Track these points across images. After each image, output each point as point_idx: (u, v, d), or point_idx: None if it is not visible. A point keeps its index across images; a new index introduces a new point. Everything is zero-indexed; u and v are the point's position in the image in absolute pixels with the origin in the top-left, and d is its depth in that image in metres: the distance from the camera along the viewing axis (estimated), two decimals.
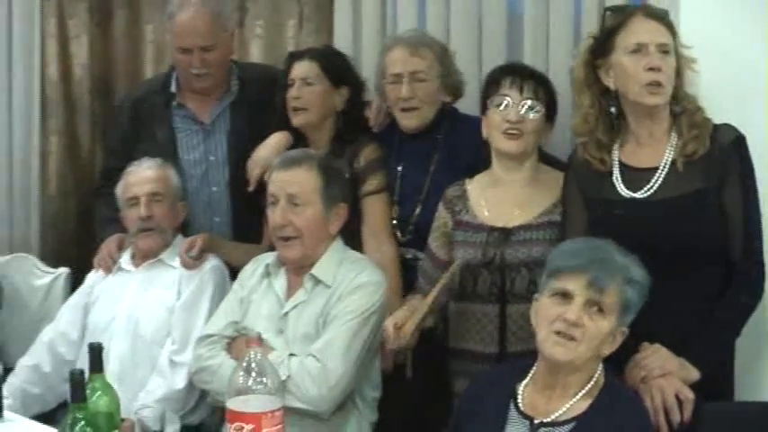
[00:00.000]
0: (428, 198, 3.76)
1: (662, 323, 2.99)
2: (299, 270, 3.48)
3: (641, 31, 3.08)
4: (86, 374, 2.70)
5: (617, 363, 2.92)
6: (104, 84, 4.91)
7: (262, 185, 3.72)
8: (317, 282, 3.43)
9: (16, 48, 4.80)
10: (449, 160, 3.78)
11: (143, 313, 3.84)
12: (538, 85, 3.48)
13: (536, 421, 2.77)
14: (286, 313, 3.43)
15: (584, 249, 2.84)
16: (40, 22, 4.82)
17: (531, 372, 2.86)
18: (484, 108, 3.53)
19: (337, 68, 3.96)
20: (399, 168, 3.88)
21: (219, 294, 3.78)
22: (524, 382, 2.86)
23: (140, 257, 3.98)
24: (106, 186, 4.21)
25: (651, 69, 3.04)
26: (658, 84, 3.05)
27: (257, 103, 4.15)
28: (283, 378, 3.18)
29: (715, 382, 3.05)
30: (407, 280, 3.72)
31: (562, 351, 2.75)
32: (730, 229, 3.08)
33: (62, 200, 4.89)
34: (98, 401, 2.75)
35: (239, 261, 3.81)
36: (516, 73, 3.50)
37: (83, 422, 2.58)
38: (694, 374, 3.00)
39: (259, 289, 3.54)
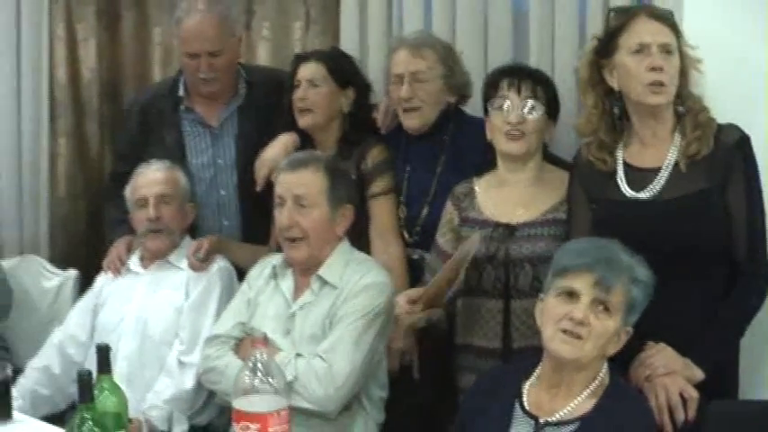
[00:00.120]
0: (435, 199, 3.77)
1: (666, 323, 3.00)
2: (305, 271, 3.49)
3: (644, 31, 3.09)
4: (94, 375, 2.72)
5: (621, 362, 2.93)
6: (113, 86, 4.92)
7: (270, 187, 3.73)
8: (324, 283, 3.43)
9: (25, 51, 4.81)
10: (455, 161, 3.78)
11: (151, 314, 3.85)
12: (536, 84, 3.50)
13: (541, 420, 2.79)
14: (293, 314, 3.44)
15: (591, 249, 2.86)
16: (49, 25, 4.82)
17: (537, 371, 2.88)
18: (486, 111, 3.56)
19: (343, 70, 3.97)
20: (407, 169, 3.89)
21: (227, 295, 3.79)
22: (529, 381, 2.87)
23: (149, 259, 4.00)
24: (115, 189, 4.22)
25: (653, 69, 3.05)
26: (660, 83, 3.05)
27: (265, 106, 4.16)
28: (290, 379, 3.19)
29: (719, 380, 3.06)
30: (414, 280, 3.73)
31: (568, 349, 2.76)
32: (734, 229, 3.09)
33: (71, 202, 4.91)
34: (106, 402, 2.76)
35: (247, 262, 3.81)
36: (513, 74, 3.52)
37: (91, 422, 2.60)
38: (699, 374, 3.01)
39: (266, 290, 3.55)
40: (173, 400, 3.66)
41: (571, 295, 2.79)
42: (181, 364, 3.74)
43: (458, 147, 3.80)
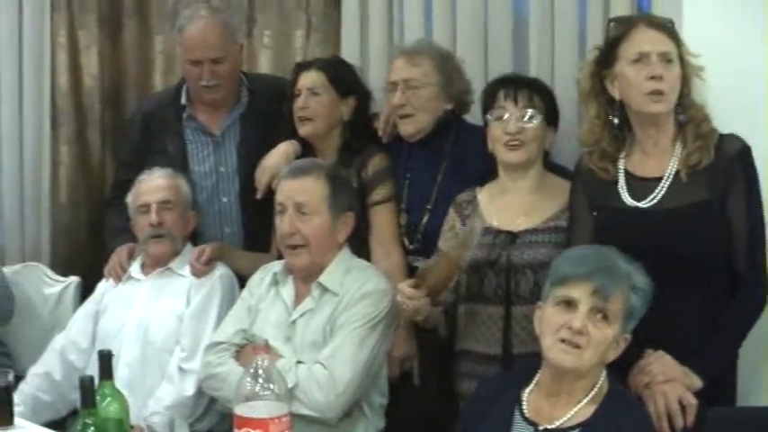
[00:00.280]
0: (436, 207, 3.78)
1: (666, 331, 3.01)
2: (306, 278, 3.50)
3: (643, 40, 3.10)
4: (96, 381, 2.73)
5: (620, 369, 2.93)
6: (114, 94, 4.93)
7: (271, 194, 3.73)
8: (325, 290, 3.44)
9: (27, 58, 4.81)
10: (456, 169, 3.80)
11: (153, 321, 3.86)
12: (533, 92, 3.52)
13: (540, 427, 2.79)
14: (294, 321, 3.45)
15: (589, 257, 2.86)
16: (51, 33, 4.83)
17: (536, 378, 2.88)
18: (485, 121, 3.58)
19: (344, 79, 3.99)
20: (407, 177, 3.91)
21: (228, 302, 3.80)
22: (529, 388, 2.88)
23: (150, 265, 4.01)
24: (117, 197, 4.24)
25: (653, 78, 3.06)
26: (660, 92, 3.06)
27: (267, 114, 4.17)
28: (291, 385, 3.20)
29: (718, 387, 3.06)
30: None
31: (568, 358, 2.76)
32: (734, 239, 3.09)
33: (73, 209, 4.90)
34: (108, 408, 2.78)
35: (248, 270, 3.82)
36: (510, 84, 3.54)
37: (92, 428, 2.62)
38: (697, 383, 3.02)
39: (267, 297, 3.56)
40: (174, 406, 3.67)
41: (569, 304, 2.79)
42: (182, 370, 3.74)
43: (458, 155, 3.81)
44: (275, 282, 3.57)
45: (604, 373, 2.83)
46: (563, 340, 2.77)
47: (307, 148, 3.99)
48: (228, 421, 2.77)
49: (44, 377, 3.94)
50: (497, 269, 3.44)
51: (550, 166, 3.63)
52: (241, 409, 2.61)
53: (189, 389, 3.71)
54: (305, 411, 3.24)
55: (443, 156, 3.84)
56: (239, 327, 3.54)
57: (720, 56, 3.24)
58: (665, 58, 3.08)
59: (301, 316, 3.45)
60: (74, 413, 3.77)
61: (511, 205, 3.53)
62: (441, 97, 3.83)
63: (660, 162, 3.16)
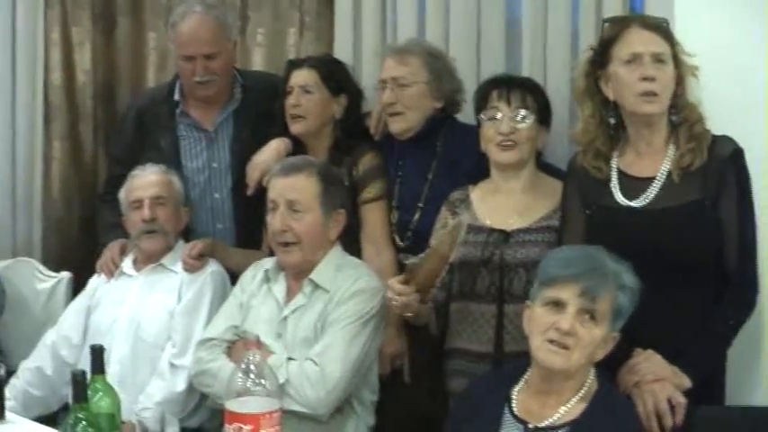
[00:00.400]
0: (427, 205, 3.80)
1: (656, 331, 3.02)
2: (298, 275, 3.51)
3: (635, 41, 3.11)
4: (88, 376, 2.73)
5: (609, 368, 2.94)
6: (107, 90, 4.93)
7: (263, 191, 3.75)
8: (316, 287, 3.46)
9: (20, 54, 4.80)
10: (447, 168, 3.81)
11: (144, 317, 3.86)
12: (526, 93, 3.53)
13: (530, 426, 2.80)
14: (285, 317, 3.46)
15: (576, 258, 2.86)
16: (44, 29, 4.83)
17: (525, 376, 2.89)
18: (478, 122, 3.59)
19: (336, 77, 4.00)
20: (399, 175, 3.92)
21: (219, 299, 3.81)
22: (518, 386, 2.89)
23: (142, 261, 4.01)
24: (110, 193, 4.25)
25: (645, 79, 3.07)
26: (653, 93, 3.07)
27: (260, 110, 4.17)
28: (282, 381, 3.21)
29: (707, 387, 3.08)
30: None
31: (557, 359, 2.77)
32: (725, 241, 3.10)
33: (65, 205, 4.90)
34: (100, 402, 2.77)
35: (240, 267, 3.83)
36: (503, 85, 3.55)
37: (84, 422, 2.60)
38: (686, 382, 3.02)
39: (259, 294, 3.57)
40: (164, 402, 3.68)
41: (558, 305, 2.80)
42: (173, 366, 3.75)
43: (450, 154, 3.83)
44: (267, 278, 3.58)
45: (593, 372, 2.84)
46: (551, 341, 2.78)
47: (298, 146, 4.00)
48: (219, 417, 2.77)
49: (35, 372, 3.95)
50: (491, 268, 3.45)
51: (543, 165, 3.64)
52: (232, 405, 2.61)
53: (180, 385, 3.72)
54: (296, 408, 3.25)
55: (434, 154, 3.86)
56: (231, 323, 3.55)
57: (713, 55, 3.23)
58: (658, 59, 3.09)
59: (293, 312, 3.46)
60: (65, 408, 3.78)
61: (503, 205, 3.54)
62: (430, 96, 3.85)
63: (653, 162, 3.17)
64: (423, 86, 3.84)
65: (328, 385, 3.28)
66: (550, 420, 2.79)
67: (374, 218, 3.87)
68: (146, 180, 4.01)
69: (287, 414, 2.98)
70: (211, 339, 3.54)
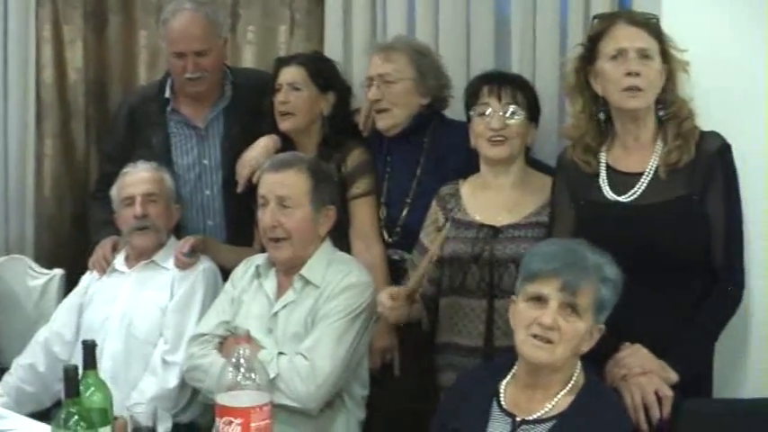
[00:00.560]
0: (415, 201, 3.83)
1: (643, 325, 3.05)
2: (288, 271, 3.52)
3: (621, 37, 3.12)
4: (80, 371, 2.74)
5: (596, 362, 2.95)
6: (99, 88, 4.94)
7: (254, 188, 3.76)
8: (306, 282, 3.47)
9: (12, 52, 4.81)
10: (435, 164, 3.83)
11: (136, 313, 3.88)
12: (516, 89, 3.55)
13: (518, 419, 2.81)
14: (276, 313, 3.47)
15: (557, 253, 2.86)
16: (36, 27, 4.84)
17: (513, 370, 2.90)
18: (468, 118, 3.60)
19: (324, 74, 4.02)
20: (387, 171, 3.94)
21: (211, 296, 3.82)
22: (506, 380, 2.89)
23: (134, 258, 4.02)
24: (102, 191, 4.26)
25: (629, 74, 3.08)
26: (636, 88, 3.08)
27: (251, 107, 4.18)
28: (272, 376, 3.23)
29: (694, 380, 3.09)
30: (394, 281, 3.75)
31: (541, 354, 2.78)
32: (712, 236, 3.11)
33: (57, 202, 4.90)
34: (92, 397, 2.79)
35: (231, 263, 3.83)
36: (494, 81, 3.57)
37: (76, 417, 2.62)
38: (673, 376, 3.04)
39: (250, 289, 3.58)
40: (156, 398, 3.68)
41: (540, 300, 2.81)
42: (165, 362, 3.77)
43: (438, 150, 3.85)
44: (258, 274, 3.59)
45: (580, 365, 2.85)
46: (535, 336, 2.79)
47: (287, 143, 4.01)
48: (212, 412, 2.79)
49: (28, 369, 3.96)
50: (481, 263, 3.47)
51: (531, 162, 3.66)
52: (222, 399, 2.64)
53: (172, 381, 3.74)
54: (286, 402, 3.27)
55: (422, 150, 3.88)
56: (222, 319, 3.56)
57: (702, 51, 3.23)
58: (643, 55, 3.10)
59: (283, 308, 3.47)
60: (57, 404, 3.77)
61: (493, 201, 3.56)
62: (416, 92, 3.87)
63: (641, 157, 3.18)
64: (408, 83, 3.86)
65: (318, 380, 3.30)
66: (538, 414, 2.79)
67: (363, 213, 3.89)
68: (137, 177, 4.02)
69: (277, 408, 3.00)
70: (203, 335, 3.55)
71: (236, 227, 4.22)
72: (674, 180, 3.13)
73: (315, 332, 3.37)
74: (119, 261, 4.06)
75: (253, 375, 2.65)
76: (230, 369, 2.66)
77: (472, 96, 3.60)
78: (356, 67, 4.28)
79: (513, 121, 3.51)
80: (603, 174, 3.22)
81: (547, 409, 2.80)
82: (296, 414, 3.31)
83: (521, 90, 3.57)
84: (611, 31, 3.16)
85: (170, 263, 3.96)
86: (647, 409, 3.01)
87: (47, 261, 4.69)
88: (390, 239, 3.88)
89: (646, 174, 3.16)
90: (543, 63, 3.94)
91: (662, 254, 3.08)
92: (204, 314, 3.71)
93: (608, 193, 3.20)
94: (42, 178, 4.89)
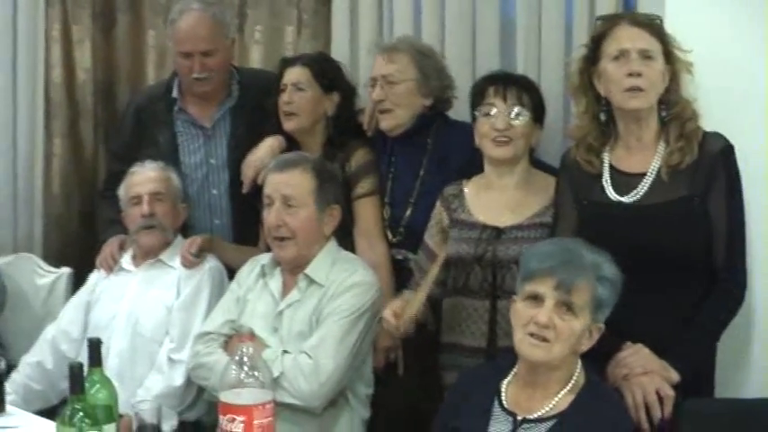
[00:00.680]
0: (418, 201, 3.84)
1: (645, 325, 3.05)
2: (293, 270, 3.54)
3: (623, 37, 3.13)
4: (85, 368, 2.75)
5: (597, 361, 2.96)
6: (107, 87, 4.96)
7: (259, 187, 3.77)
8: (311, 281, 3.48)
9: (21, 52, 4.83)
10: (438, 164, 3.84)
11: (143, 312, 3.89)
12: (521, 90, 3.55)
13: (519, 418, 2.82)
14: (280, 312, 3.49)
15: (553, 252, 2.87)
16: (45, 27, 4.86)
17: (514, 369, 2.91)
18: (473, 118, 3.61)
19: (328, 74, 4.03)
20: (391, 171, 3.95)
21: (217, 294, 3.83)
22: (507, 379, 2.90)
23: (141, 257, 4.04)
24: (110, 190, 4.28)
25: (631, 75, 3.09)
26: (638, 89, 3.09)
27: (257, 107, 4.19)
28: (277, 374, 3.24)
29: (696, 379, 3.10)
30: (398, 280, 3.78)
31: (537, 352, 2.79)
32: (714, 237, 3.11)
33: (65, 201, 4.92)
34: (97, 394, 2.80)
35: (238, 263, 3.85)
36: (499, 81, 3.57)
37: (81, 413, 2.64)
38: (675, 376, 3.04)
39: (255, 288, 3.60)
40: (162, 396, 3.70)
41: (536, 299, 2.81)
42: (171, 361, 3.78)
43: (441, 150, 3.85)
44: (263, 273, 3.61)
45: (580, 364, 2.85)
46: (532, 334, 2.80)
47: (292, 143, 4.02)
48: (216, 411, 2.80)
49: (36, 366, 3.98)
50: (484, 264, 3.47)
51: (535, 162, 3.66)
52: (226, 396, 2.65)
53: (178, 379, 3.75)
54: (290, 400, 3.29)
55: (425, 151, 3.89)
56: (228, 317, 3.58)
57: (705, 52, 3.23)
58: (645, 55, 3.10)
59: (288, 307, 3.49)
60: (64, 402, 3.75)
61: (496, 201, 3.56)
62: (418, 93, 3.87)
63: (644, 158, 3.19)
64: (411, 84, 3.87)
65: (321, 378, 3.31)
66: (539, 413, 2.80)
67: (367, 212, 3.90)
68: (144, 176, 4.05)
69: (281, 407, 3.01)
70: (209, 333, 3.57)
71: (242, 226, 4.23)
72: (676, 181, 3.13)
73: (319, 331, 3.39)
74: (126, 260, 4.08)
75: (256, 373, 2.66)
76: (233, 367, 2.67)
77: (477, 96, 3.61)
78: (363, 67, 4.28)
79: (518, 121, 3.51)
80: (606, 174, 3.23)
81: (547, 408, 2.81)
82: (300, 412, 3.33)
83: (526, 91, 3.57)
84: (613, 31, 3.17)
85: (176, 262, 3.98)
86: (648, 409, 3.02)
87: (55, 259, 4.71)
88: (394, 239, 3.89)
89: (648, 174, 3.16)
90: (548, 64, 3.94)
91: (664, 254, 3.08)
92: (210, 313, 3.72)
93: (611, 193, 3.20)
94: (51, 177, 4.91)
